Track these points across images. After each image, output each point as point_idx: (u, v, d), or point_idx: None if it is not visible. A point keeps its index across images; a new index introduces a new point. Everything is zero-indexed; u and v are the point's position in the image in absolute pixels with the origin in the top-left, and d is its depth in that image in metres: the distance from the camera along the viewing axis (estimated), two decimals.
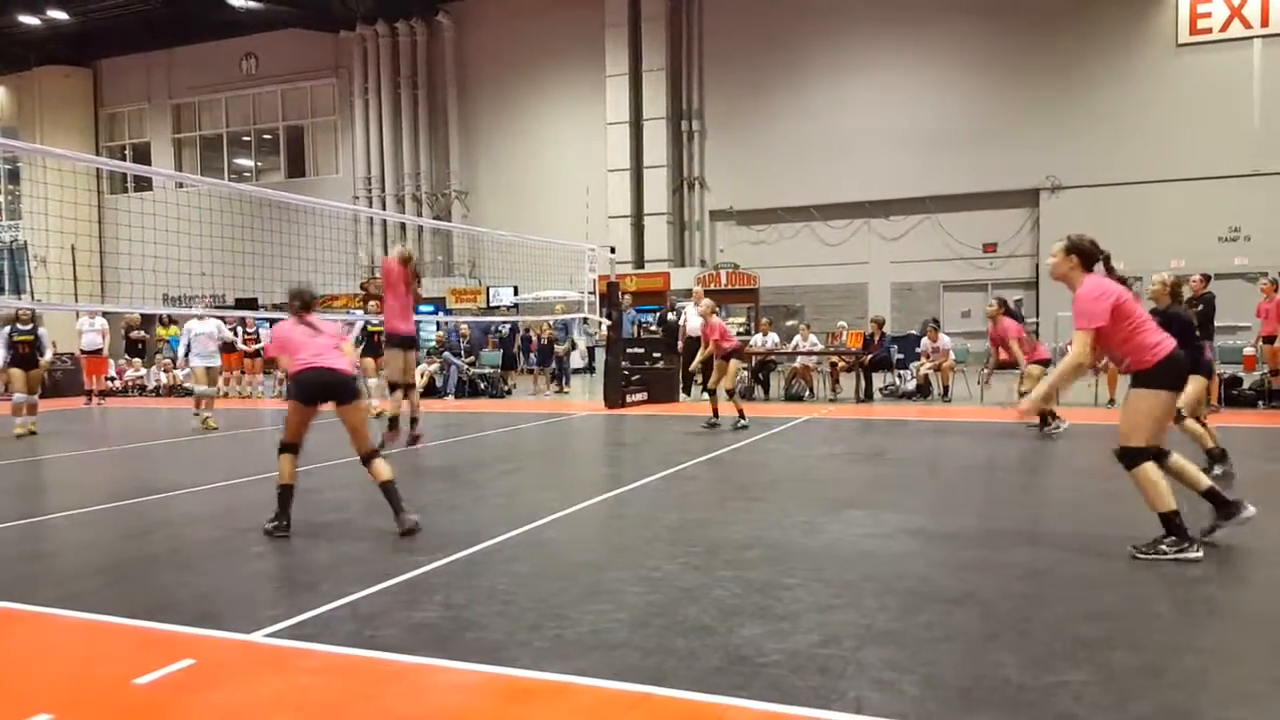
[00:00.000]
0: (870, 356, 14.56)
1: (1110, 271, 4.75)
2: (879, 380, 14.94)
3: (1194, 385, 6.56)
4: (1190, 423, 6.72)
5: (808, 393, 14.82)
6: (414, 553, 4.85)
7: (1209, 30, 20.96)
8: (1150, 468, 4.49)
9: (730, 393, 10.59)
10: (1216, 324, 10.70)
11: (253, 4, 25.88)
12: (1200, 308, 11.54)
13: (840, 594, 4.00)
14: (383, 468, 5.36)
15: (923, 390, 14.27)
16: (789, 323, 20.35)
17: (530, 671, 3.18)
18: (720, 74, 25.07)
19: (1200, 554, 4.41)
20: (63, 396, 17.74)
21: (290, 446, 5.44)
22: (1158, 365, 4.51)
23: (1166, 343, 4.54)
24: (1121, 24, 21.48)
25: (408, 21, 27.65)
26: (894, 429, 10.76)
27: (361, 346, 12.09)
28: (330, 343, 5.52)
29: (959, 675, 3.10)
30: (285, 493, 5.39)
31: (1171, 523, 4.45)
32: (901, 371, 15.31)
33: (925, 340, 14.75)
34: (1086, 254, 4.76)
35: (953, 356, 14.39)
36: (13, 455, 9.77)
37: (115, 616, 3.89)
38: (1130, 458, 4.53)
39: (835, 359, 15.13)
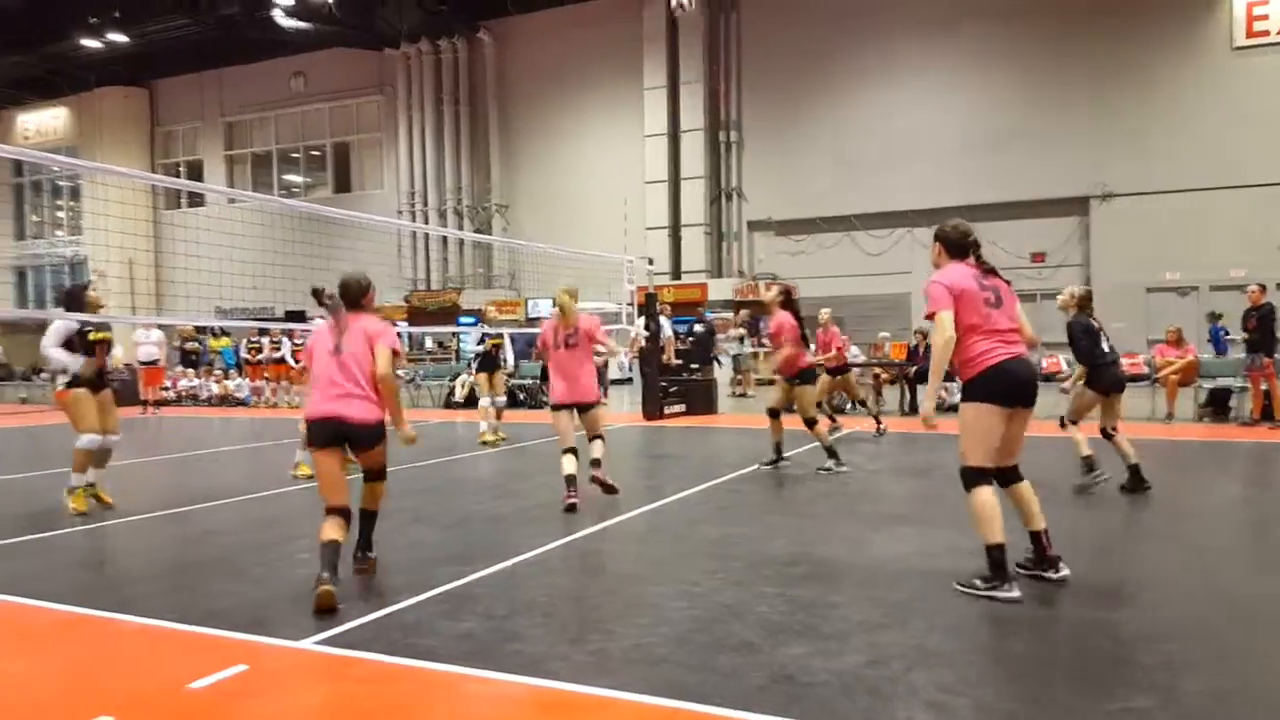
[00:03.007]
0: (915, 368, 14.37)
1: (979, 262, 4.37)
2: (921, 393, 14.75)
3: (1084, 398, 6.95)
4: (1073, 431, 6.99)
5: (849, 405, 14.66)
6: (455, 563, 4.88)
7: (1266, 33, 20.42)
8: (983, 494, 4.13)
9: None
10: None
11: (301, 24, 26.43)
12: (1256, 320, 11.26)
13: (889, 613, 3.94)
14: (374, 493, 4.80)
15: None
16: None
17: (571, 685, 3.18)
18: (758, 84, 25.03)
19: (1017, 594, 4.01)
20: (120, 406, 18.18)
21: (333, 510, 4.39)
22: (975, 378, 4.21)
23: (993, 354, 4.15)
24: (1175, 27, 21.02)
25: (450, 39, 28.06)
26: (941, 443, 10.59)
27: (478, 362, 11.65)
28: (353, 381, 4.48)
29: (1013, 699, 3.03)
30: (327, 549, 4.24)
31: (991, 556, 4.09)
32: (948, 384, 15.08)
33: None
34: (950, 241, 4.44)
35: None
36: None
37: (170, 622, 3.97)
38: (966, 478, 4.20)
39: (878, 371, 14.96)
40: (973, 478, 4.19)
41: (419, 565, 4.93)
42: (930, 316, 4.25)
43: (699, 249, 25.39)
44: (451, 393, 17.76)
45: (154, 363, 17.29)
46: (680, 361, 15.20)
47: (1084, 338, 6.92)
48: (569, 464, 6.62)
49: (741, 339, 18.63)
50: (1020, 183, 22.06)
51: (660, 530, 5.93)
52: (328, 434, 4.48)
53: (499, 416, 11.41)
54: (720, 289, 24.42)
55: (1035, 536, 4.37)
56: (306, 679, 3.35)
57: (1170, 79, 20.98)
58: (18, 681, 3.39)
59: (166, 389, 19.34)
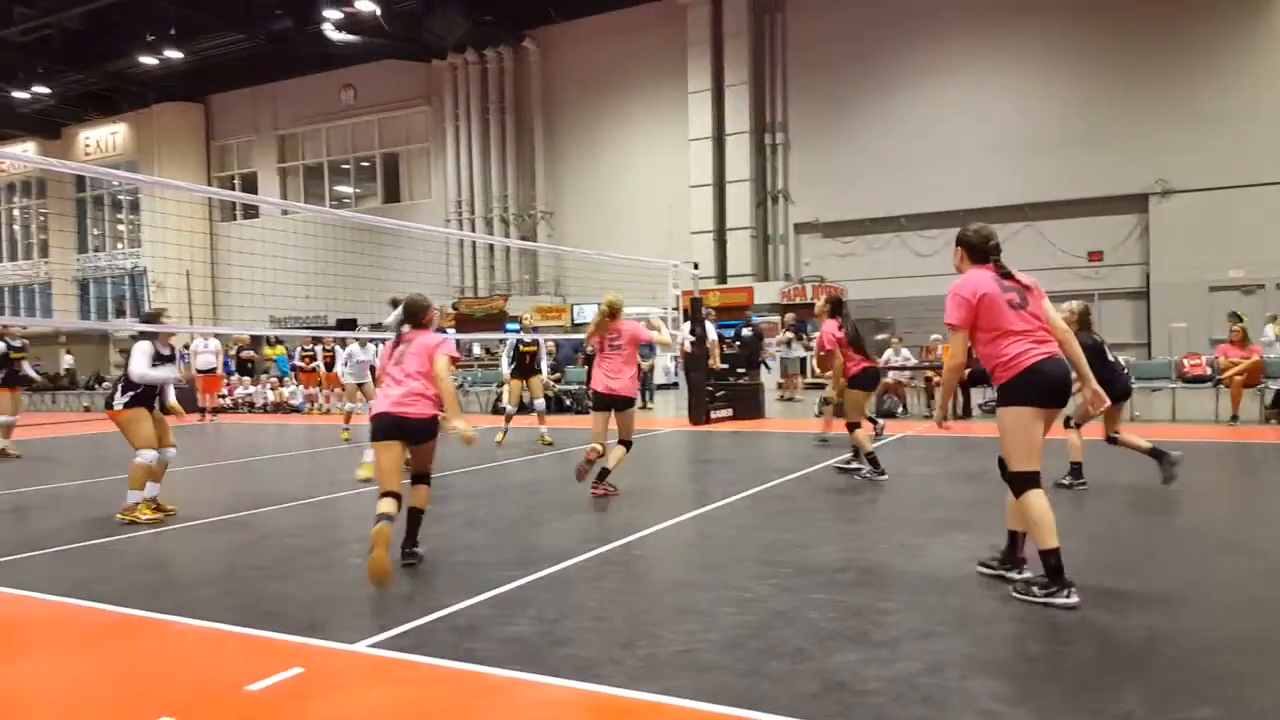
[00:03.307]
0: (969, 371, 14.10)
1: (998, 267, 4.31)
2: (978, 396, 14.49)
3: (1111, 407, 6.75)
4: (1124, 437, 7.09)
5: (900, 409, 14.48)
6: (506, 567, 4.91)
7: None
8: (1035, 498, 4.08)
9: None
10: None
11: (350, 38, 26.95)
12: None
13: (943, 620, 3.87)
14: (422, 494, 5.19)
15: None
16: (879, 336, 19.96)
17: (622, 690, 3.18)
18: (804, 86, 24.88)
19: (1075, 600, 3.92)
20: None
21: (387, 493, 4.86)
22: (1011, 381, 4.15)
23: (1028, 355, 4.10)
24: (1235, 16, 20.39)
25: (495, 49, 28.39)
26: (996, 447, 10.41)
27: (514, 367, 11.88)
28: (413, 384, 5.03)
29: (1073, 709, 2.95)
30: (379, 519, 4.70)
31: (1048, 563, 4.02)
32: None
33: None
34: (971, 246, 4.38)
35: None
36: None
37: (229, 624, 4.06)
38: (1016, 483, 4.18)
39: (930, 374, 14.74)
40: (1023, 482, 4.13)
41: (470, 568, 4.97)
42: (949, 325, 4.28)
43: (745, 252, 25.30)
44: (499, 398, 17.90)
45: (211, 371, 17.72)
46: (725, 366, 15.14)
47: (1091, 355, 6.72)
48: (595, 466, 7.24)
49: (789, 342, 18.50)
50: (1076, 180, 21.60)
51: (709, 536, 5.91)
52: (388, 428, 5.02)
53: (541, 421, 11.64)
54: (767, 292, 24.30)
55: (1013, 535, 4.42)
56: (361, 681, 3.39)
57: (1231, 70, 20.37)
58: (81, 682, 3.49)
59: (223, 396, 19.80)
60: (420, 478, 5.22)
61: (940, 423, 4.73)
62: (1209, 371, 13.11)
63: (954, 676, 3.22)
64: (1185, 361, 13.59)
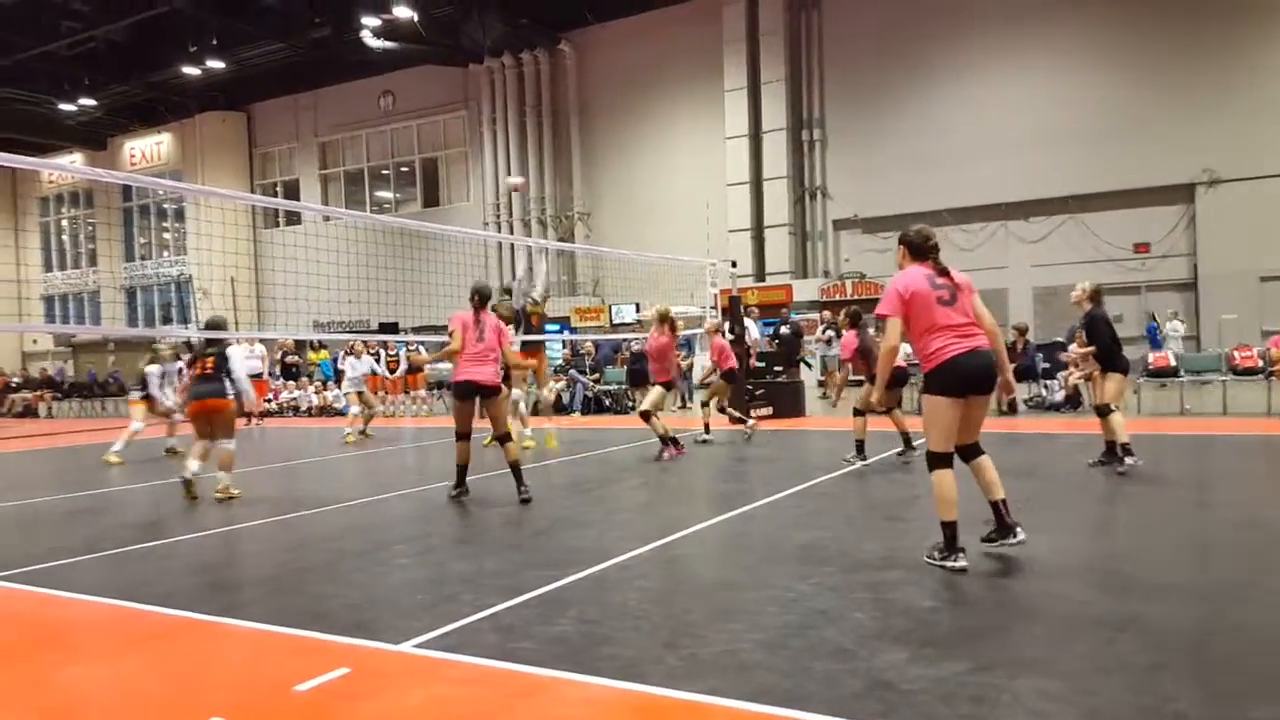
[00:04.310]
0: (1013, 366, 13.85)
1: (935, 265, 4.75)
2: (1022, 391, 14.25)
3: (1114, 382, 7.53)
4: (1116, 416, 7.42)
5: None
6: (548, 567, 4.93)
7: None
8: (944, 476, 4.63)
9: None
10: None
11: (389, 44, 27.26)
12: None
13: (989, 619, 3.82)
14: (513, 449, 7.22)
15: (1072, 401, 13.51)
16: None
17: (665, 690, 3.17)
18: (841, 81, 24.66)
19: (964, 564, 4.51)
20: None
21: (461, 434, 7.20)
22: (931, 372, 4.65)
23: (946, 350, 4.58)
24: None
25: (531, 52, 28.52)
26: (1041, 443, 10.24)
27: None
28: (488, 353, 7.18)
29: (1124, 708, 2.89)
30: (461, 470, 7.30)
31: (944, 533, 4.61)
32: (1048, 382, 14.56)
33: (1074, 347, 13.95)
34: (913, 245, 4.84)
35: None
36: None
37: (276, 625, 4.12)
38: (930, 461, 4.72)
39: None
40: (936, 461, 4.69)
41: (513, 568, 5.00)
42: (880, 316, 4.79)
43: (783, 250, 25.14)
44: (538, 399, 18.00)
45: (257, 376, 18.03)
46: (762, 364, 15.06)
47: (1107, 328, 7.64)
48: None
49: (830, 340, 18.35)
50: (1120, 171, 21.15)
51: (750, 535, 5.88)
52: (466, 390, 7.18)
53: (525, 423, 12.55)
54: (806, 290, 24.12)
55: (995, 506, 4.79)
56: (407, 681, 3.43)
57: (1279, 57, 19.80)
58: (132, 683, 3.56)
59: (269, 400, 20.14)
60: (501, 436, 7.34)
61: (877, 402, 5.87)
62: (1260, 363, 12.79)
63: (1002, 676, 3.17)
64: (1236, 353, 13.27)
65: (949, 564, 4.56)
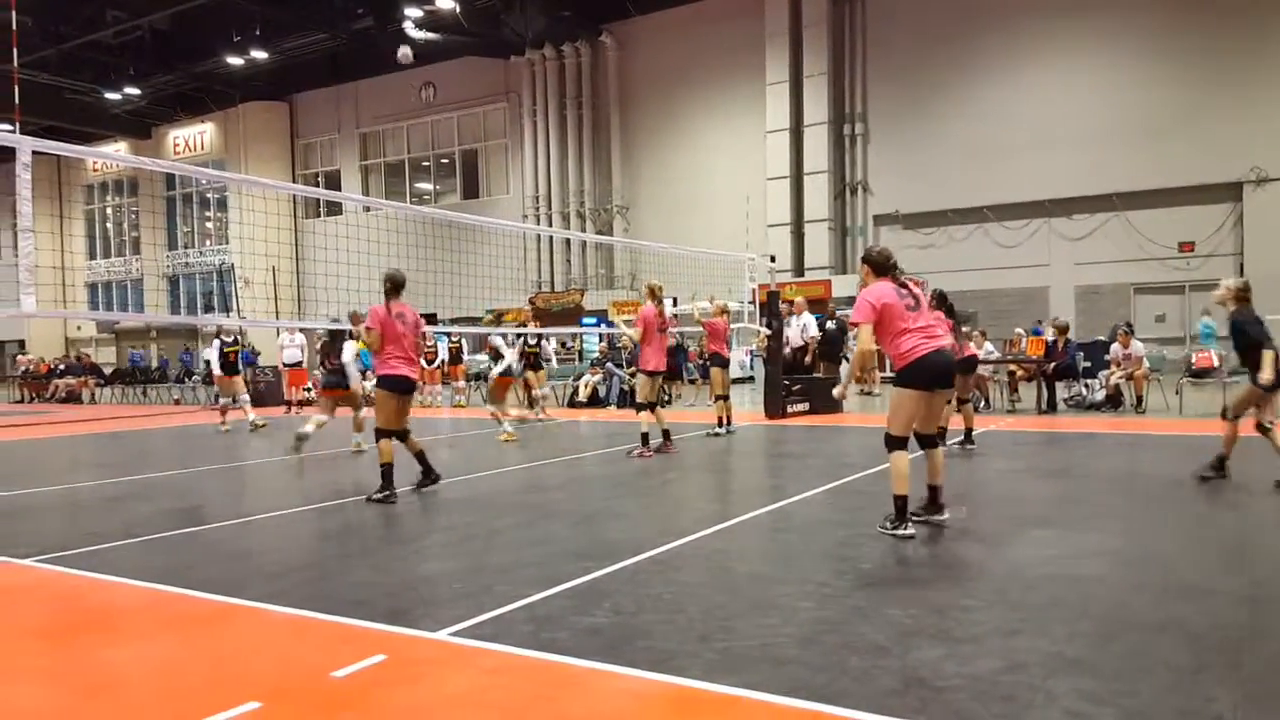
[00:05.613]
0: (1054, 364, 13.67)
1: (895, 279, 5.42)
2: (1063, 390, 14.03)
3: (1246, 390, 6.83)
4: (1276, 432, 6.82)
5: (983, 403, 14.12)
6: (583, 559, 4.96)
7: None
8: (900, 457, 5.31)
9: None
10: None
11: (431, 35, 27.46)
12: None
13: (1026, 618, 3.77)
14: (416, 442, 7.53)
15: (1113, 401, 13.28)
16: (962, 328, 19.43)
17: (700, 682, 3.18)
18: (884, 76, 24.40)
19: (912, 532, 5.18)
20: (265, 406, 19.35)
21: (401, 433, 7.37)
22: (903, 368, 5.31)
23: (917, 349, 5.25)
24: None
25: (573, 44, 28.57)
26: (1081, 443, 10.07)
27: (523, 363, 12.68)
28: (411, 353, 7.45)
29: (1162, 709, 2.85)
30: (391, 470, 7.19)
31: (895, 505, 5.26)
32: (1089, 380, 14.31)
33: (1115, 346, 13.71)
34: (876, 264, 5.52)
35: (1146, 364, 13.33)
36: (226, 460, 10.77)
37: (314, 612, 4.18)
38: (888, 443, 5.39)
39: (1014, 368, 14.34)
40: (894, 443, 5.37)
41: (549, 559, 5.03)
42: (854, 325, 5.45)
43: (823, 245, 24.98)
44: (575, 392, 18.09)
45: (297, 364, 18.30)
46: (809, 362, 14.97)
47: (1257, 324, 6.83)
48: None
49: None
50: (1165, 169, 20.72)
51: (785, 530, 5.87)
52: (407, 386, 7.41)
53: (536, 407, 13.48)
54: (845, 285, 23.90)
55: (932, 489, 5.58)
56: (442, 669, 3.47)
57: None
58: (171, 667, 3.61)
59: (309, 389, 20.43)
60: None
61: (840, 395, 6.65)
62: None
63: (1038, 674, 3.14)
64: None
65: (899, 532, 5.18)
